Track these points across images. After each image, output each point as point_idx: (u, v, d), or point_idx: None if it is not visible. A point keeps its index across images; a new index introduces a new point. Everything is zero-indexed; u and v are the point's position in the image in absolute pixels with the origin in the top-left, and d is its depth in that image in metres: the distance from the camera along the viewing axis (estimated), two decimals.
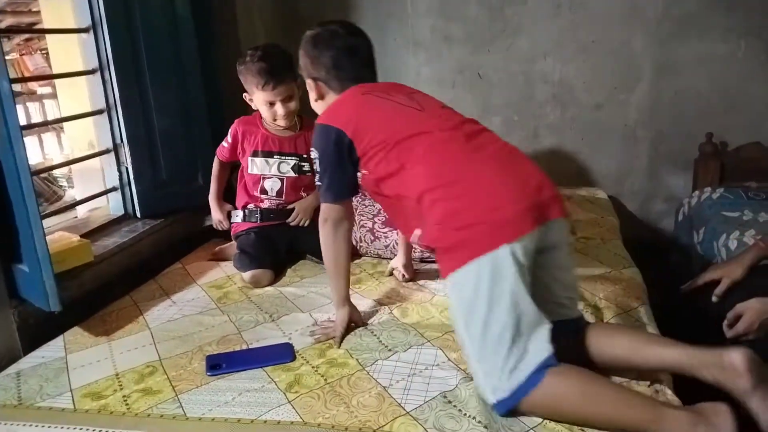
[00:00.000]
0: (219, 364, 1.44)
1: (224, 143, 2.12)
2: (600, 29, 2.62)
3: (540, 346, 1.18)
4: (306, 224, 2.06)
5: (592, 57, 2.65)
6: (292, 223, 2.06)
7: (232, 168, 2.20)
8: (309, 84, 1.61)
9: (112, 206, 2.19)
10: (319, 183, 1.53)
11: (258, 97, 1.98)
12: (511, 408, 1.18)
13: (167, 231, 2.18)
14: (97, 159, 2.16)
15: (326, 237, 1.55)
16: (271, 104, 1.98)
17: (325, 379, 1.38)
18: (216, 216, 2.16)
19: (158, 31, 2.09)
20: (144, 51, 2.06)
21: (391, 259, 1.99)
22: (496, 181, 1.28)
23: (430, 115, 1.44)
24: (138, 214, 2.16)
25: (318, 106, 1.62)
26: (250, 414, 1.26)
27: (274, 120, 2.02)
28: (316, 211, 2.08)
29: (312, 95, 1.62)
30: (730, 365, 1.13)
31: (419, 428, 1.19)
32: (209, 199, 2.17)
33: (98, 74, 2.03)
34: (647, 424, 1.09)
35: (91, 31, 1.99)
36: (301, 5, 2.86)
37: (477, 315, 1.21)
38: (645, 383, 1.29)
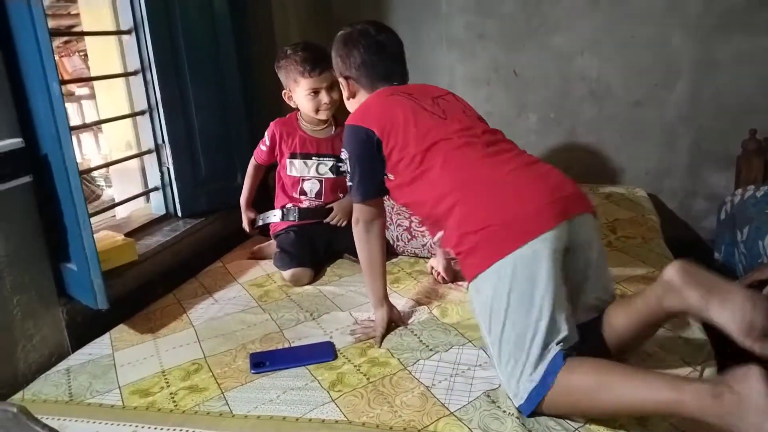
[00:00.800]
0: (263, 362, 1.46)
1: (262, 146, 2.13)
2: (639, 25, 2.57)
3: (552, 351, 1.17)
4: (344, 224, 2.07)
5: (630, 53, 2.61)
6: (330, 223, 2.07)
7: (268, 168, 2.22)
8: (342, 83, 1.63)
9: (153, 206, 2.23)
10: (350, 183, 1.54)
11: (301, 88, 1.99)
12: (533, 410, 1.17)
13: (207, 230, 2.21)
14: (135, 160, 2.20)
15: (359, 237, 1.57)
16: (315, 93, 1.99)
17: (368, 378, 1.39)
18: (244, 220, 2.19)
19: (198, 30, 2.12)
20: (184, 51, 2.09)
21: (428, 258, 1.99)
22: (515, 183, 1.28)
23: (452, 121, 1.44)
24: (179, 214, 2.19)
25: (351, 105, 1.64)
26: (295, 412, 1.28)
27: (317, 112, 2.03)
28: None
29: (345, 93, 1.65)
30: (668, 283, 1.14)
31: (464, 428, 1.19)
32: (240, 201, 2.19)
33: (140, 75, 2.07)
34: (671, 404, 1.03)
35: (134, 33, 2.03)
36: (334, 3, 2.88)
37: (497, 319, 1.21)
38: (689, 368, 1.28)
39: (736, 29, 2.46)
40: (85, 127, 3.51)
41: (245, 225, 2.19)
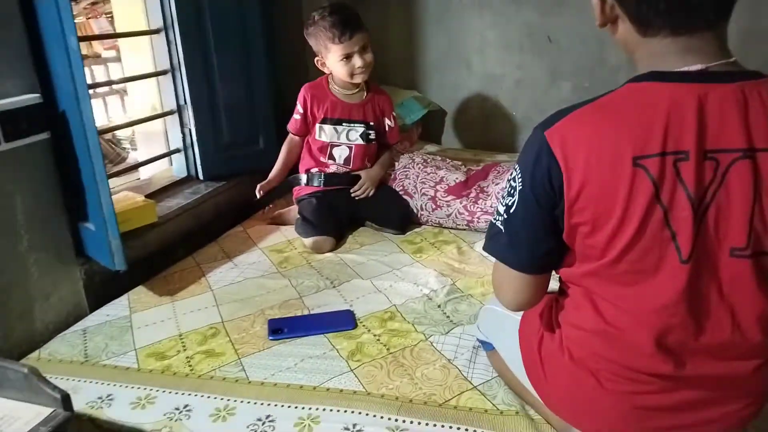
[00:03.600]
0: (281, 329, 1.43)
1: (296, 115, 2.04)
2: None
3: None
4: (371, 194, 2.01)
5: None
6: (357, 194, 2.02)
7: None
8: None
9: (175, 168, 2.20)
10: None
11: (334, 53, 1.92)
12: None
13: (228, 194, 2.17)
14: (160, 122, 2.17)
15: None
16: (348, 58, 1.92)
17: (388, 349, 1.35)
18: (266, 182, 2.02)
19: None
20: (208, 12, 2.02)
21: (453, 228, 1.94)
22: None
23: None
24: (201, 176, 2.16)
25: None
26: (312, 381, 1.24)
27: (352, 76, 1.96)
28: (381, 181, 2.05)
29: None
30: None
31: (487, 404, 1.15)
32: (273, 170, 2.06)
33: (163, 35, 2.02)
34: None
35: None
36: None
37: None
38: None
39: None
40: (105, 84, 3.48)
41: (259, 186, 2.00)
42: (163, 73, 2.06)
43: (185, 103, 2.08)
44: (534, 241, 0.91)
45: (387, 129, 2.12)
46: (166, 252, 1.86)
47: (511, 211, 0.90)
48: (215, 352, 1.37)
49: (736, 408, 0.90)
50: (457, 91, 2.82)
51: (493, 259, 0.99)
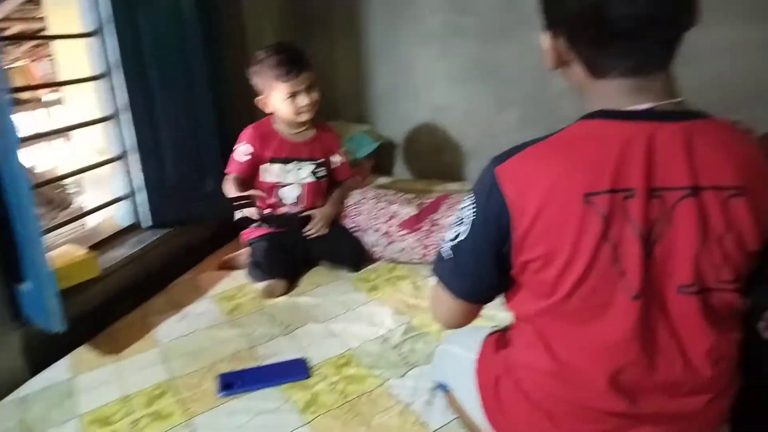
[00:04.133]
0: (232, 383, 1.37)
1: (244, 157, 1.97)
2: None
3: None
4: (324, 233, 1.99)
5: None
6: (310, 233, 1.98)
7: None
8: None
9: (120, 215, 2.12)
10: None
11: (279, 92, 1.90)
12: None
13: (176, 240, 2.11)
14: (107, 166, 2.10)
15: None
16: (294, 96, 1.90)
17: (345, 397, 1.31)
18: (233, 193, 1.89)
19: (164, 33, 2.00)
20: (151, 54, 1.97)
21: (407, 263, 1.92)
22: None
23: None
24: (147, 224, 2.09)
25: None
26: None
27: (297, 115, 1.94)
28: (334, 219, 2.03)
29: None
30: None
31: None
32: (232, 194, 1.91)
33: (107, 79, 1.96)
34: None
35: (98, 35, 1.92)
36: (308, 4, 2.79)
37: None
38: None
39: (711, 22, 2.40)
40: (47, 135, 3.37)
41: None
42: (107, 119, 2.00)
43: (130, 147, 2.02)
44: (478, 273, 0.92)
45: (336, 165, 2.11)
46: (111, 306, 1.77)
47: (460, 240, 0.91)
48: (162, 414, 1.31)
49: None
50: (407, 123, 2.83)
51: None
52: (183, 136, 2.10)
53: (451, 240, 0.93)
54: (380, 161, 2.80)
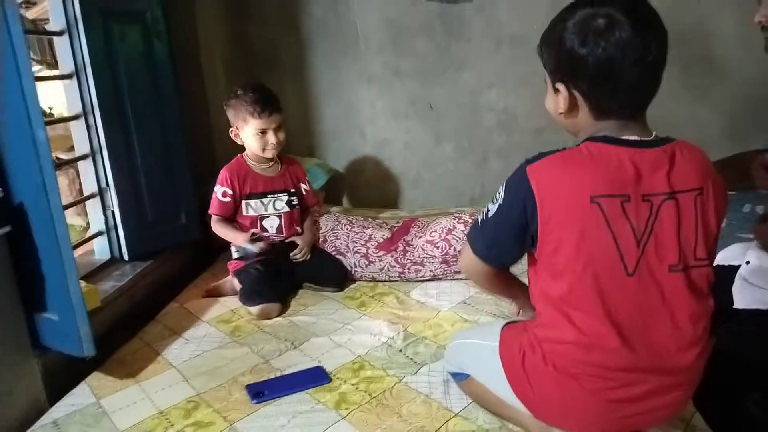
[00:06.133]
0: (261, 392, 1.50)
1: (225, 198, 2.11)
2: (537, 62, 2.88)
3: None
4: (308, 258, 2.15)
5: (532, 87, 2.89)
6: (297, 258, 2.14)
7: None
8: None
9: (97, 251, 2.16)
10: None
11: (251, 127, 2.07)
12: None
13: (159, 272, 2.18)
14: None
15: None
16: (263, 133, 2.07)
17: (369, 394, 1.48)
18: (242, 238, 2.07)
19: (139, 73, 2.11)
20: (127, 95, 2.08)
21: (386, 280, 2.12)
22: None
23: None
24: (125, 257, 2.15)
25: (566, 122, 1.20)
26: None
27: (263, 150, 2.11)
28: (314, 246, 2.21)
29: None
30: None
31: (473, 426, 1.33)
32: (234, 240, 2.12)
33: (82, 120, 2.03)
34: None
35: (75, 78, 1.99)
36: (255, 44, 2.96)
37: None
38: None
39: None
40: None
41: (244, 240, 2.06)
42: (84, 158, 2.06)
43: (107, 185, 2.09)
44: (495, 241, 1.21)
45: (305, 193, 2.29)
46: (109, 336, 1.83)
47: (490, 215, 1.19)
48: (204, 423, 1.41)
49: (678, 394, 1.17)
50: (354, 156, 3.07)
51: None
52: (158, 172, 2.20)
53: (485, 213, 1.21)
54: (330, 192, 3.00)
